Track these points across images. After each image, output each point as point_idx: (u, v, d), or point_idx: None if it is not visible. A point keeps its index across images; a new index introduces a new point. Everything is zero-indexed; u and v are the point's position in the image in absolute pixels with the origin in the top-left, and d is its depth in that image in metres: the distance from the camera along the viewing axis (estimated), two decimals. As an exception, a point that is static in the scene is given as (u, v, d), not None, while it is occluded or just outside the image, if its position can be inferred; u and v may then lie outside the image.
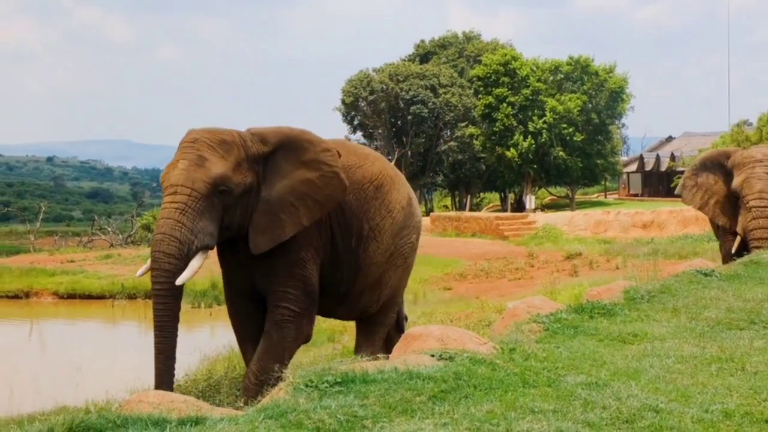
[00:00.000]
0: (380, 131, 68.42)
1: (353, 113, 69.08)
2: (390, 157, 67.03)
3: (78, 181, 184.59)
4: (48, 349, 23.66)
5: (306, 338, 10.98)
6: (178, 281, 9.57)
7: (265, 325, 10.61)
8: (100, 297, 30.25)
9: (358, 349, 12.10)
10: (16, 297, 31.66)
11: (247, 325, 10.96)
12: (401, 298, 13.14)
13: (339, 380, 6.78)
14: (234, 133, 10.25)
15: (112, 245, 51.55)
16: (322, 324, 20.44)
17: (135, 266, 33.81)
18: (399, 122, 68.02)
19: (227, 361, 14.31)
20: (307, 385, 6.69)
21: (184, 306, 27.65)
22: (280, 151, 10.50)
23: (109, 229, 56.85)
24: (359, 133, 70.89)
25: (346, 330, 19.54)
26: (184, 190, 9.64)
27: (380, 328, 12.60)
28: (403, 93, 65.29)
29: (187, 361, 11.34)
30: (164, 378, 9.61)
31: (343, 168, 10.87)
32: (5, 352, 20.72)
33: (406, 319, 13.73)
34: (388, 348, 11.68)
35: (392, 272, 11.99)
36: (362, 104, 67.58)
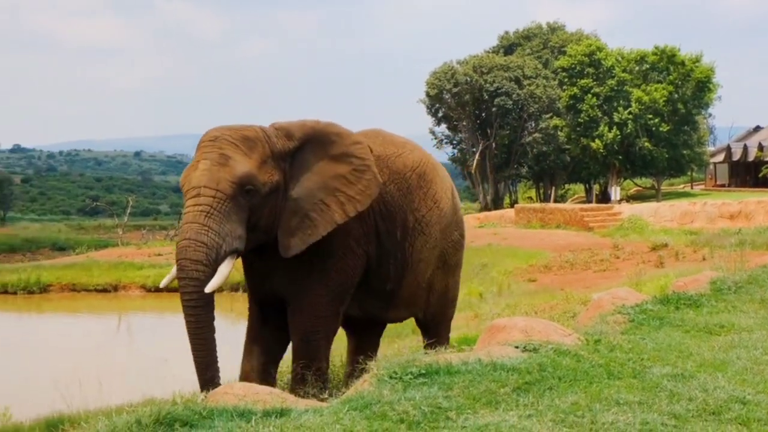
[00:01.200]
0: (464, 123, 68.30)
1: (437, 106, 69.00)
2: (474, 149, 67.00)
3: (165, 175, 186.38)
4: (136, 341, 23.96)
5: (334, 333, 10.32)
6: (208, 289, 8.84)
7: (292, 334, 9.97)
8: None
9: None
10: (104, 291, 32.04)
11: (257, 332, 10.19)
12: (457, 294, 12.36)
13: (423, 372, 6.80)
14: (257, 129, 9.58)
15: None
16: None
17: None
18: (483, 114, 67.86)
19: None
20: (391, 377, 6.71)
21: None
22: (308, 145, 9.83)
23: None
24: (443, 126, 70.94)
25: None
26: (208, 192, 8.96)
27: (443, 333, 12.00)
28: (488, 85, 65.07)
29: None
30: (207, 382, 8.85)
31: (382, 158, 10.43)
32: (94, 345, 20.99)
33: None
34: None
35: (441, 272, 11.37)
36: (446, 96, 67.46)
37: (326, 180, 9.77)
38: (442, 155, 75.52)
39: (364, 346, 11.75)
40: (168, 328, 25.98)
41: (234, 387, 6.83)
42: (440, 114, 69.71)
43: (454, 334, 14.96)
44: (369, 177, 9.86)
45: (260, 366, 10.04)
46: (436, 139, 71.74)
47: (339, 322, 10.29)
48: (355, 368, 10.01)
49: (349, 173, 9.82)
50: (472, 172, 68.08)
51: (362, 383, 6.86)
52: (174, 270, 9.13)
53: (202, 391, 8.57)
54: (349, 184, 9.79)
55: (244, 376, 9.93)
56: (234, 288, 29.85)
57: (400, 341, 16.17)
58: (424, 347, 11.26)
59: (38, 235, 67.40)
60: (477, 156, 67.15)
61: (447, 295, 11.81)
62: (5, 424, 11.49)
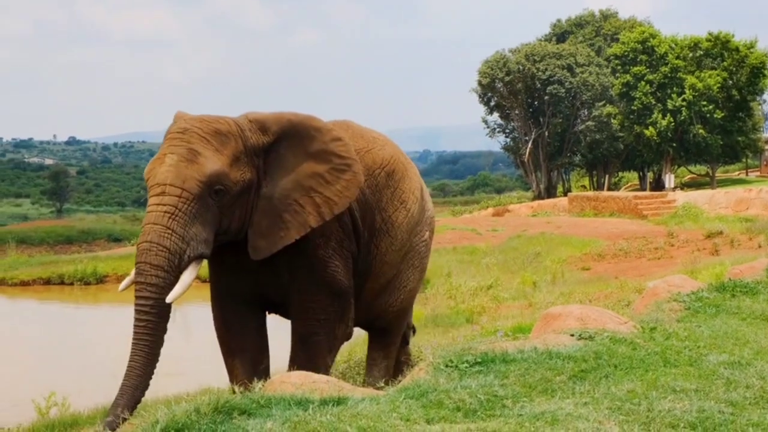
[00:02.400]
0: (517, 112, 68.11)
1: (490, 94, 68.83)
2: (527, 138, 66.84)
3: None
4: (193, 331, 24.13)
5: (345, 338, 9.76)
6: (169, 298, 8.09)
7: (291, 340, 9.41)
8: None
9: (372, 363, 10.93)
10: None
11: (240, 336, 9.39)
12: (411, 309, 11.54)
13: (479, 360, 6.83)
14: (230, 122, 8.76)
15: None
16: (461, 305, 20.49)
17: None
18: (536, 103, 67.64)
19: (366, 343, 14.42)
20: (447, 365, 6.75)
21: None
22: (284, 141, 9.02)
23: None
24: (496, 115, 70.77)
25: (485, 311, 19.54)
26: (173, 191, 8.19)
27: (395, 338, 11.10)
28: (540, 73, 64.86)
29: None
30: (125, 397, 7.93)
31: None
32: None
33: (414, 331, 12.24)
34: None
35: (409, 273, 10.60)
36: (499, 85, 67.29)
37: (302, 179, 9.02)
38: (494, 144, 75.45)
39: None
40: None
41: (291, 376, 6.87)
42: (492, 103, 69.53)
43: (508, 323, 14.98)
44: (348, 177, 9.09)
45: (250, 379, 8.46)
46: (488, 128, 71.61)
47: (345, 326, 9.58)
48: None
49: (327, 172, 9.06)
50: (525, 160, 67.91)
51: (418, 371, 6.89)
52: (133, 273, 8.34)
53: (117, 397, 7.91)
54: (326, 184, 9.03)
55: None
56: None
57: (455, 330, 16.21)
58: (371, 353, 10.99)
59: (94, 226, 67.78)
60: (529, 144, 66.96)
61: (408, 302, 11.01)
62: (64, 414, 11.62)
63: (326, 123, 9.42)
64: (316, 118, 9.40)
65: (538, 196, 65.45)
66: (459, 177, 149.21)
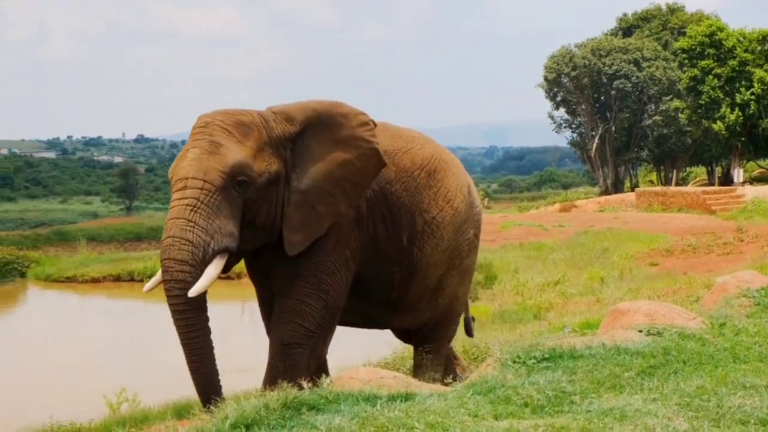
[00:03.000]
0: (583, 107, 67.69)
1: (556, 90, 68.47)
2: (593, 133, 66.41)
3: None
4: (260, 327, 24.26)
5: (317, 360, 9.23)
6: (192, 293, 7.92)
7: (270, 346, 9.15)
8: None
9: (419, 369, 10.53)
10: (227, 278, 32.44)
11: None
12: (465, 305, 11.29)
13: (546, 356, 6.82)
14: (253, 113, 8.65)
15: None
16: (528, 301, 20.45)
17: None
18: (602, 98, 67.18)
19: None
20: (514, 361, 6.75)
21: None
22: (310, 130, 8.85)
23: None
24: (562, 110, 70.38)
25: (552, 307, 19.49)
26: (195, 183, 8.06)
27: (443, 342, 10.83)
28: (606, 68, 64.41)
29: (395, 339, 11.42)
30: (209, 394, 8.18)
31: (388, 153, 9.33)
32: (219, 332, 21.33)
33: (473, 319, 12.03)
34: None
35: (451, 275, 10.30)
36: (565, 80, 66.92)
37: (334, 168, 8.84)
38: (561, 139, 75.09)
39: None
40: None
41: (359, 372, 6.92)
42: (559, 98, 69.14)
43: (575, 319, 14.92)
44: (374, 162, 8.99)
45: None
46: (554, 123, 71.24)
47: (325, 349, 9.39)
48: None
49: (356, 159, 8.92)
50: (592, 156, 67.49)
51: (486, 367, 6.90)
52: (159, 272, 8.33)
53: (204, 407, 8.08)
54: (356, 170, 8.92)
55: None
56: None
57: (522, 326, 16.18)
58: (417, 363, 10.68)
59: (162, 223, 68.04)
60: (596, 140, 66.54)
61: (455, 304, 10.74)
62: (134, 410, 11.74)
63: (353, 108, 9.23)
64: (342, 103, 9.24)
65: (605, 192, 65.04)
66: (525, 173, 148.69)
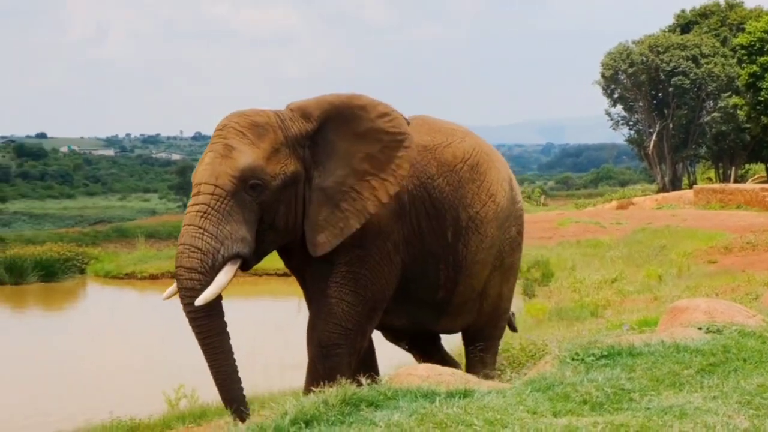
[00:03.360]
0: (641, 104, 67.34)
1: (613, 86, 68.17)
2: (651, 130, 66.05)
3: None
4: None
5: (358, 356, 8.97)
6: (198, 301, 7.74)
7: (307, 347, 8.88)
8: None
9: (473, 368, 10.12)
10: (284, 275, 32.49)
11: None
12: (509, 305, 10.79)
13: (605, 353, 6.80)
14: (269, 114, 8.41)
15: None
16: (585, 299, 20.39)
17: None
18: (660, 94, 66.82)
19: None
20: (573, 359, 6.74)
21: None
22: (329, 125, 8.56)
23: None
24: (619, 107, 70.03)
25: (609, 304, 19.42)
26: (206, 189, 7.93)
27: (494, 340, 10.63)
28: (664, 65, 64.03)
29: (454, 338, 11.41)
30: (231, 395, 8.16)
31: (429, 148, 9.17)
32: (275, 329, 21.37)
33: (513, 314, 11.41)
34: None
35: (494, 275, 9.98)
36: (622, 77, 66.62)
37: (355, 163, 8.54)
38: (618, 136, 74.73)
39: (432, 355, 10.55)
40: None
41: (418, 368, 6.93)
42: (616, 95, 68.83)
43: (633, 316, 14.86)
44: (401, 154, 8.59)
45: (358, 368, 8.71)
46: (612, 120, 70.90)
47: (365, 344, 9.08)
48: None
49: (379, 152, 8.57)
50: (649, 153, 67.13)
51: (544, 364, 6.90)
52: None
53: (228, 408, 8.16)
54: (380, 164, 8.54)
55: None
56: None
57: (579, 324, 16.14)
58: (470, 361, 10.39)
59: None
60: (654, 137, 66.18)
61: (500, 306, 10.39)
62: (192, 405, 11.84)
63: (372, 99, 8.85)
64: (361, 95, 8.85)
65: (663, 189, 64.68)
66: (582, 170, 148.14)
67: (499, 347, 11.00)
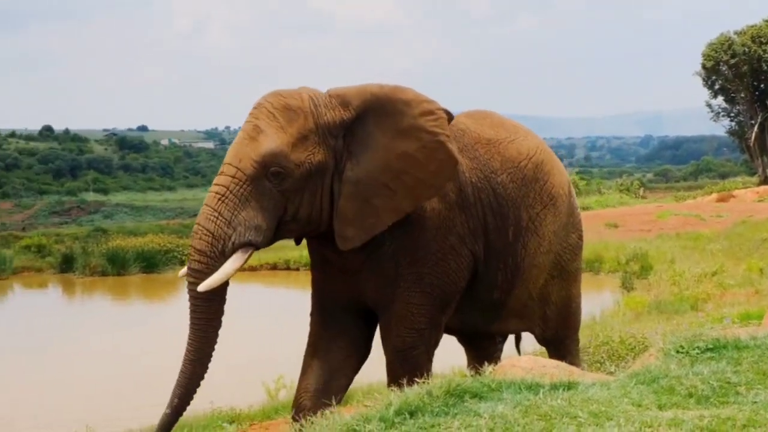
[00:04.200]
0: (742, 95, 66.51)
1: (714, 78, 67.42)
2: (752, 122, 65.21)
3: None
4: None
5: (436, 347, 8.55)
6: (201, 287, 7.37)
7: (385, 350, 8.42)
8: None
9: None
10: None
11: (328, 345, 8.47)
12: (579, 302, 10.05)
13: (710, 346, 6.75)
14: (303, 97, 7.78)
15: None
16: (685, 292, 20.22)
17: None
18: (762, 85, 65.94)
19: (589, 329, 14.38)
20: (677, 351, 6.70)
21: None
22: (368, 116, 7.91)
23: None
24: (720, 98, 69.25)
25: (710, 298, 19.24)
26: (229, 170, 7.50)
27: (573, 337, 10.01)
28: (767, 55, 63.19)
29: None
30: (184, 389, 7.75)
31: (493, 143, 8.64)
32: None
33: (520, 338, 10.52)
34: None
35: (554, 282, 9.41)
36: (723, 68, 65.86)
37: (391, 160, 7.89)
38: (718, 128, 73.88)
39: (484, 353, 10.06)
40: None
41: (521, 360, 6.94)
42: (717, 86, 68.07)
43: (734, 310, 14.72)
44: (442, 157, 7.93)
45: (319, 387, 8.30)
46: (712, 112, 70.13)
47: (441, 333, 8.59)
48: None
49: (417, 152, 7.91)
50: (751, 144, 66.32)
51: (648, 357, 6.87)
52: None
53: (176, 390, 7.72)
54: (418, 164, 7.89)
55: (296, 400, 8.43)
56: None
57: (679, 317, 16.04)
58: (556, 357, 9.48)
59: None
60: (755, 128, 65.34)
61: (569, 307, 9.78)
62: (291, 396, 11.92)
63: (418, 94, 8.17)
64: (407, 89, 8.15)
65: (765, 181, 63.85)
66: (681, 162, 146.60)
67: (579, 341, 10.41)
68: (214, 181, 7.54)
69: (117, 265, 34.02)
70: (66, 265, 34.92)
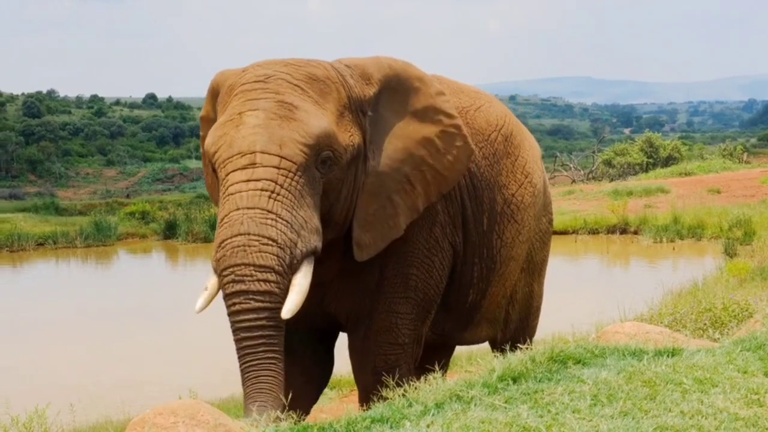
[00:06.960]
0: None
1: None
2: None
3: (539, 118, 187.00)
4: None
5: (416, 363, 7.17)
6: (284, 313, 5.58)
7: (359, 373, 7.11)
8: (563, 233, 30.35)
9: None
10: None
11: (297, 365, 6.95)
12: (540, 302, 8.91)
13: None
14: (326, 66, 6.35)
15: (573, 181, 52.52)
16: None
17: (596, 201, 34.05)
18: None
19: (692, 296, 14.24)
20: (780, 318, 6.66)
21: (646, 240, 27.60)
22: (386, 93, 6.61)
23: (571, 165, 57.90)
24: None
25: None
26: (268, 160, 5.74)
27: (530, 337, 8.63)
28: None
29: (650, 295, 11.28)
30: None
31: (460, 112, 7.18)
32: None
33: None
34: None
35: (522, 275, 8.22)
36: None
37: (412, 147, 6.65)
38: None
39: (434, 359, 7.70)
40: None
41: (624, 326, 6.94)
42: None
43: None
44: (459, 144, 6.79)
45: (301, 385, 6.89)
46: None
47: (421, 350, 7.25)
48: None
49: (437, 137, 6.72)
50: None
51: (753, 323, 6.83)
52: (211, 284, 5.93)
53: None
54: (437, 153, 6.71)
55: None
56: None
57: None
58: None
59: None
60: None
61: (530, 306, 8.56)
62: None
63: (424, 72, 7.01)
64: (413, 64, 6.98)
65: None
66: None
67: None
68: (244, 176, 5.75)
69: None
70: (169, 231, 35.51)
